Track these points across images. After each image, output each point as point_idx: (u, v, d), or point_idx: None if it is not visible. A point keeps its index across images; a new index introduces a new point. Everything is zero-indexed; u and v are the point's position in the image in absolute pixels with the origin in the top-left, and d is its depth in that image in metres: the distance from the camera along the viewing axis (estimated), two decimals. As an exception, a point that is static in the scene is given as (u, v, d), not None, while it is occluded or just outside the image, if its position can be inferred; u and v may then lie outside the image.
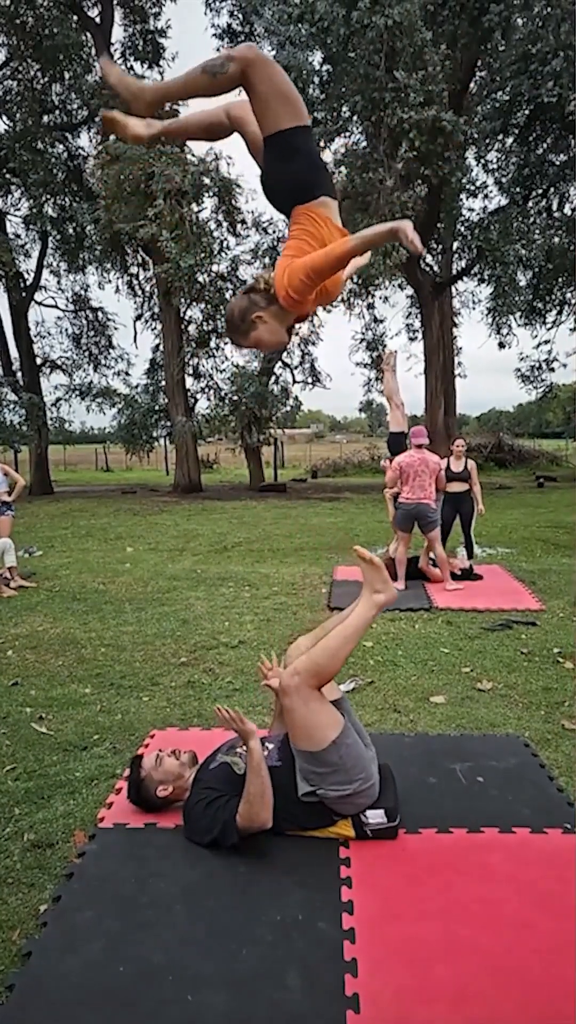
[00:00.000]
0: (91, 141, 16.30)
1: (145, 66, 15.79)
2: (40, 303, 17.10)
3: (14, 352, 16.24)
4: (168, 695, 3.35)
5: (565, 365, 17.93)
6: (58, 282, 17.70)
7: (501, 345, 17.48)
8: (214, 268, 14.41)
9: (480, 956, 1.64)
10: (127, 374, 17.84)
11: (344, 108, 12.61)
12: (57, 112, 15.87)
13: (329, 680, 2.09)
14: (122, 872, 1.95)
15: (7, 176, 14.99)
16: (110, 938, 1.70)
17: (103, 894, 1.86)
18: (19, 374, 16.11)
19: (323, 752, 2.02)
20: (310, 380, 18.69)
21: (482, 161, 14.85)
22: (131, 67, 15.77)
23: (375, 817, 2.08)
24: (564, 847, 2.05)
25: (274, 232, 17.02)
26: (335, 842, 2.09)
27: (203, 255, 12.78)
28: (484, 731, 2.90)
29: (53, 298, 18.50)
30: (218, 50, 15.81)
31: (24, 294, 16.00)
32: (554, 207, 15.15)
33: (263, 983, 1.56)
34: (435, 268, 16.40)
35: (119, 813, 2.25)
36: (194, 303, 15.35)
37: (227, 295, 15.25)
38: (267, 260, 17.17)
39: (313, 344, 18.68)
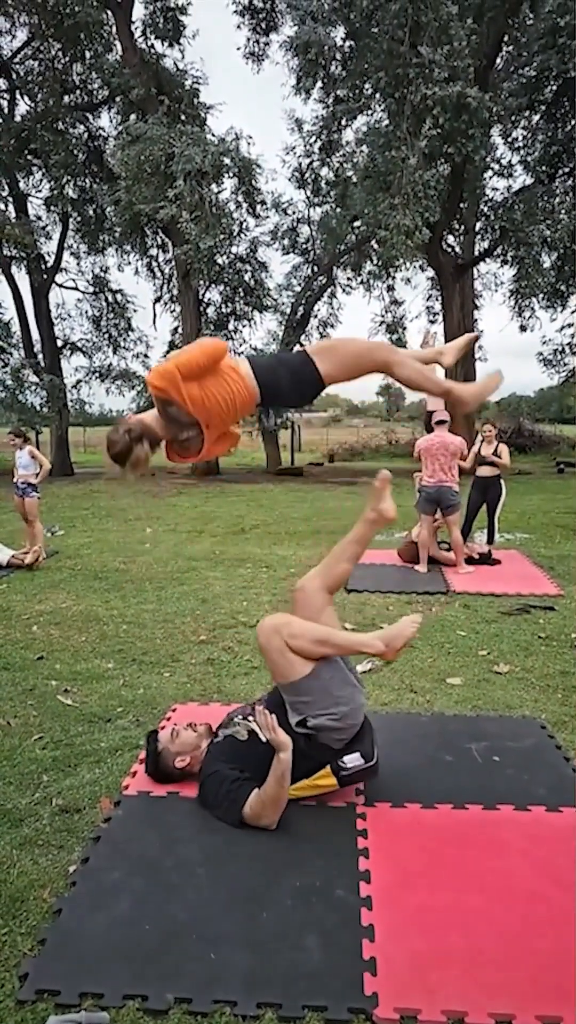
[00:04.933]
0: (111, 121, 16.24)
1: (165, 44, 15.54)
2: (61, 285, 17.18)
3: (35, 334, 16.40)
4: (188, 671, 3.42)
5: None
6: (78, 264, 17.72)
7: (523, 328, 17.21)
8: (233, 250, 14.36)
9: (493, 926, 1.68)
10: (146, 356, 17.94)
11: (367, 85, 12.36)
12: (78, 92, 15.84)
13: (341, 583, 2.42)
14: (147, 837, 2.03)
15: (28, 158, 15.04)
16: (136, 897, 1.77)
17: (129, 857, 1.93)
18: (40, 356, 16.27)
19: (307, 679, 2.11)
20: (328, 363, 18.55)
21: (508, 139, 14.54)
22: (151, 45, 15.52)
23: (352, 760, 2.13)
24: (579, 825, 2.08)
25: (294, 213, 16.82)
26: (352, 814, 2.14)
27: (222, 236, 12.76)
28: (500, 712, 2.92)
29: (73, 280, 18.48)
30: (238, 27, 15.46)
31: (45, 276, 16.14)
32: (581, 185, 14.71)
33: (283, 944, 1.62)
34: (457, 249, 16.15)
35: (143, 782, 2.33)
36: (213, 285, 15.30)
37: (246, 277, 15.16)
38: (286, 241, 17.02)
39: (332, 327, 18.54)
